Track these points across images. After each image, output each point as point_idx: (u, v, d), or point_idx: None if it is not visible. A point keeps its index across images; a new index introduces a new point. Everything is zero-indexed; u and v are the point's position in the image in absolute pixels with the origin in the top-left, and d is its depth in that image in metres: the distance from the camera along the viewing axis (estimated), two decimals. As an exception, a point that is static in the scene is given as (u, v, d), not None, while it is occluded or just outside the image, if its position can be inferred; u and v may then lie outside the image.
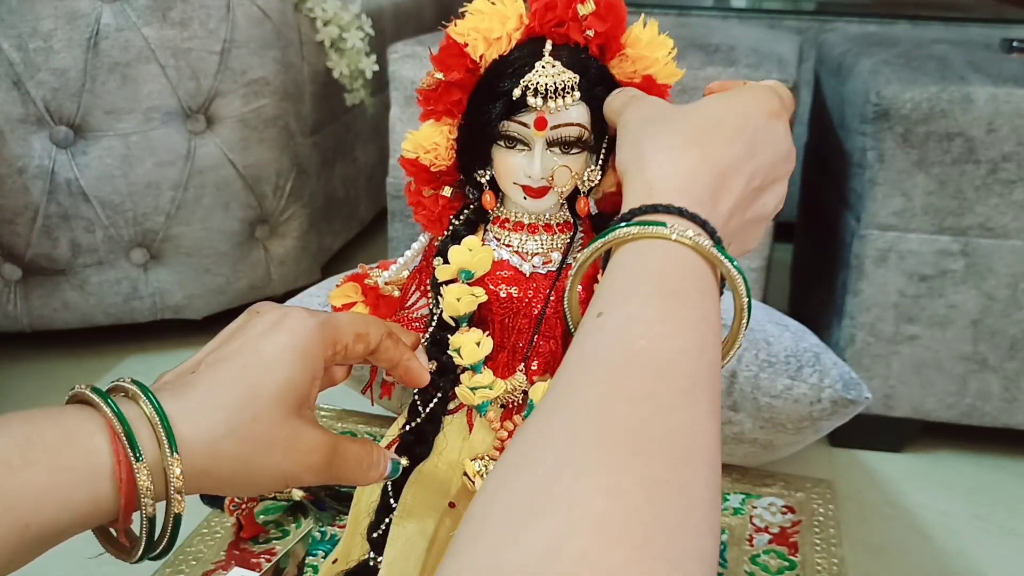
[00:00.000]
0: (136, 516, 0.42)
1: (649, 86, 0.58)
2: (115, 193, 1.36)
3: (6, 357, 1.45)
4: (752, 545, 1.00)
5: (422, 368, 0.54)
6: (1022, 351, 1.15)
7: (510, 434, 0.62)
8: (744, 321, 0.45)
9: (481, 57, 0.55)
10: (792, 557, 0.98)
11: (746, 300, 0.44)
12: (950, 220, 1.13)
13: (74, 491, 0.39)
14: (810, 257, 1.50)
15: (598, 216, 0.61)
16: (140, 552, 0.43)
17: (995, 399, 1.18)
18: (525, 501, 0.31)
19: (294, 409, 0.45)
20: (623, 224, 0.43)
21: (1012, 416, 1.18)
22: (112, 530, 0.44)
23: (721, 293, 0.44)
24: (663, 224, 0.41)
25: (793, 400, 1.00)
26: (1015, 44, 1.28)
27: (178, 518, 0.42)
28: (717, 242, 0.42)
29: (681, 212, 0.42)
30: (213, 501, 0.96)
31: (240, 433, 0.42)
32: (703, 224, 0.42)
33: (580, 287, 0.50)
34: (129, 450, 0.39)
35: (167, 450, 0.40)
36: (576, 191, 0.59)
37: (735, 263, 0.43)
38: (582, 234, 0.61)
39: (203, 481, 0.42)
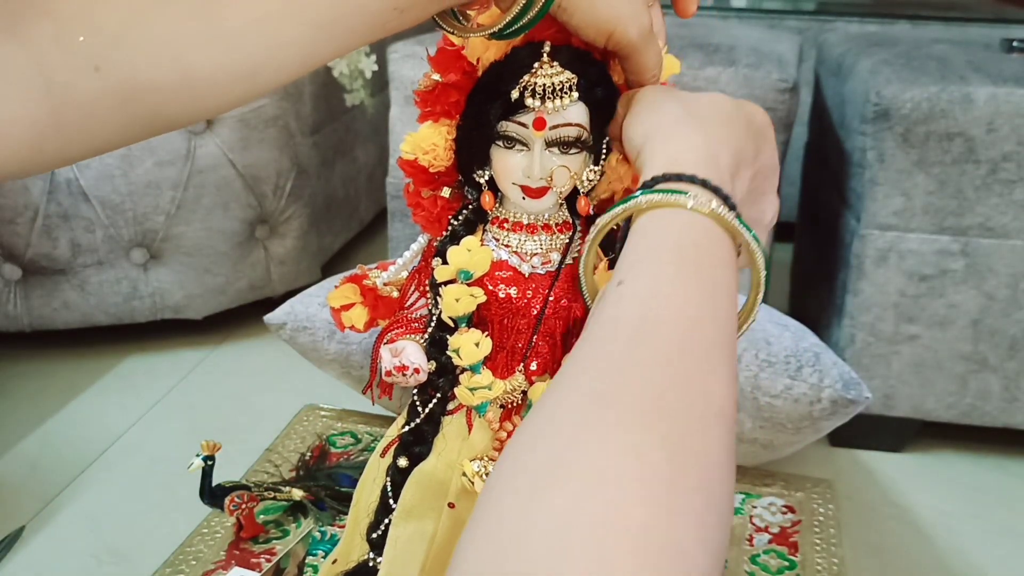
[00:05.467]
0: None
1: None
2: (115, 193, 1.36)
3: (6, 357, 1.45)
4: (752, 545, 1.00)
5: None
6: (1022, 351, 1.15)
7: (509, 435, 0.62)
8: (761, 291, 0.46)
9: (478, 60, 0.55)
10: (792, 557, 0.98)
11: (763, 272, 0.45)
12: (950, 220, 1.13)
13: None
14: (810, 257, 1.50)
15: (597, 216, 0.61)
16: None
17: (995, 399, 1.18)
18: (548, 464, 0.32)
19: None
20: (645, 191, 0.43)
21: (1012, 416, 1.18)
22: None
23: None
24: (685, 193, 0.42)
25: (793, 400, 1.00)
26: (1015, 44, 1.28)
27: None
28: (737, 215, 0.43)
29: (704, 183, 0.42)
30: (213, 501, 0.96)
31: None
32: (724, 197, 0.43)
33: (597, 256, 0.50)
34: None
35: None
36: (575, 191, 0.59)
37: (754, 234, 0.43)
38: (581, 234, 0.61)
39: None
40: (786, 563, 0.97)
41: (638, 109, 0.50)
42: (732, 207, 0.43)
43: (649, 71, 0.52)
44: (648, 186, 0.43)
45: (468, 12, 0.51)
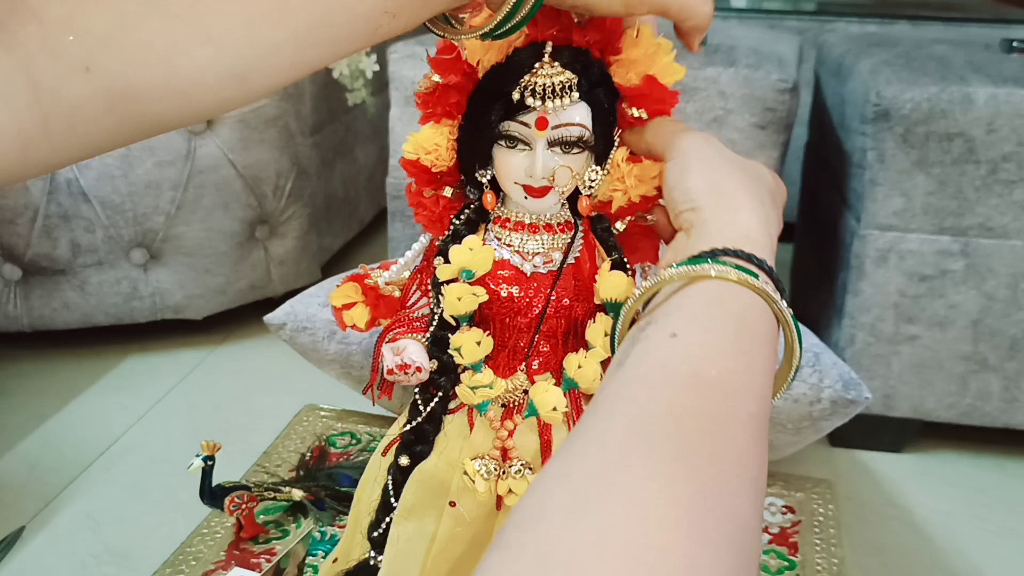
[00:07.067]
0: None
1: (651, 87, 0.57)
2: (115, 193, 1.36)
3: (6, 357, 1.45)
4: (752, 545, 1.00)
5: None
6: (1022, 351, 1.15)
7: (510, 433, 0.62)
8: (792, 375, 0.48)
9: (478, 62, 0.55)
10: (792, 557, 0.98)
11: (798, 360, 0.48)
12: (950, 220, 1.13)
13: None
14: (810, 257, 1.50)
15: (598, 216, 0.61)
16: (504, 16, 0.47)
17: (995, 399, 1.18)
18: (585, 489, 0.33)
19: None
20: (720, 261, 0.44)
21: (1012, 416, 1.18)
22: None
23: None
24: (757, 276, 0.44)
25: (793, 400, 1.00)
26: (1015, 44, 1.28)
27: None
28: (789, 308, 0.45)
29: (770, 272, 0.45)
30: (213, 501, 0.96)
31: None
32: (777, 284, 0.45)
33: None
34: None
35: None
36: (577, 191, 0.59)
37: (798, 327, 0.46)
38: (583, 234, 0.61)
39: None
40: (786, 563, 0.97)
41: (690, 161, 0.50)
42: (782, 294, 0.45)
43: (699, 8, 0.50)
44: (715, 254, 0.44)
45: (460, 16, 0.51)
